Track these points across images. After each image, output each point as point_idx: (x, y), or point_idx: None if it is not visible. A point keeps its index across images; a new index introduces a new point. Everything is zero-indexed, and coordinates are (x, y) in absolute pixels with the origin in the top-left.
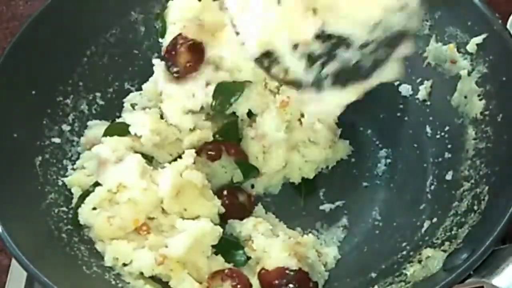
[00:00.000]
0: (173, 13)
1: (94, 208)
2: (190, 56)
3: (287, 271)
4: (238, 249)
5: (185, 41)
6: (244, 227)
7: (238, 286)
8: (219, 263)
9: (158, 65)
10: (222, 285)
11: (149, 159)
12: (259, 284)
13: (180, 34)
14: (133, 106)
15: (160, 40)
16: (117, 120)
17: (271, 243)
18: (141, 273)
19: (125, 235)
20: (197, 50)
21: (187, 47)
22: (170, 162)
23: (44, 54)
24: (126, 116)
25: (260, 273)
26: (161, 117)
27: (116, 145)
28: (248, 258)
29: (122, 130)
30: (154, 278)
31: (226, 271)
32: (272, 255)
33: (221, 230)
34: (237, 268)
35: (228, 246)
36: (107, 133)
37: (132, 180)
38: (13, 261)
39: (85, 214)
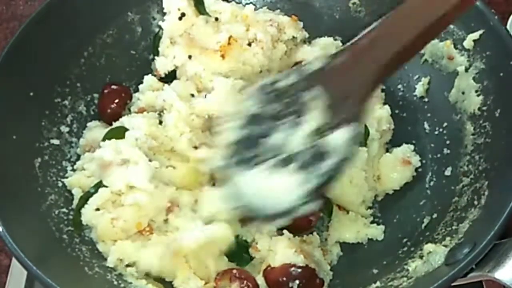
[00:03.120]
0: (164, 31)
1: (98, 209)
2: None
3: (293, 268)
4: (242, 249)
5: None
6: (247, 232)
7: None
8: (223, 262)
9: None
10: (230, 285)
11: None
12: (265, 282)
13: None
14: (129, 109)
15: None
16: (115, 124)
17: (276, 241)
18: (145, 274)
19: (127, 236)
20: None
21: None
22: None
23: (41, 55)
24: (124, 119)
25: (265, 270)
26: (160, 122)
27: (117, 147)
28: (252, 258)
29: (120, 133)
30: (156, 278)
31: (234, 271)
32: (278, 251)
33: (233, 237)
34: (245, 269)
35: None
36: (106, 138)
37: (140, 183)
38: (13, 261)
39: (88, 214)
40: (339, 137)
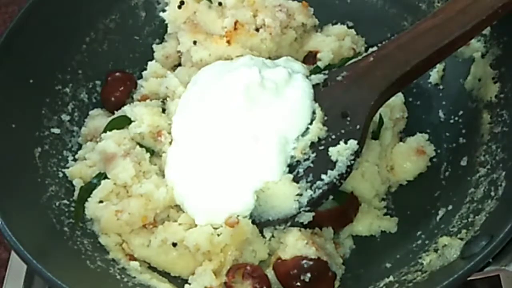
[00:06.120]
0: (169, 16)
1: (101, 202)
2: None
3: (305, 260)
4: None
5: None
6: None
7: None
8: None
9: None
10: (242, 282)
11: (150, 151)
12: (274, 275)
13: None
14: (132, 97)
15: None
16: (117, 113)
17: (286, 233)
18: (148, 267)
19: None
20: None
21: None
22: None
23: (42, 41)
24: (126, 108)
25: (275, 263)
26: (163, 110)
27: (120, 139)
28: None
29: (122, 122)
30: (160, 272)
31: (248, 268)
32: (289, 244)
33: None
34: (258, 266)
35: None
36: (108, 128)
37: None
38: (12, 254)
39: (91, 207)
40: (337, 152)
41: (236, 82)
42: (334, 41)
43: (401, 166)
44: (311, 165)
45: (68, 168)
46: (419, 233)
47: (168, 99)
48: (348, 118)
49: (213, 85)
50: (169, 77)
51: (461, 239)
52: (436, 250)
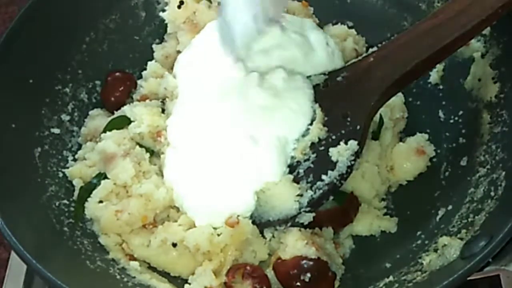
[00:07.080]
0: (169, 16)
1: (101, 202)
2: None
3: (305, 260)
4: None
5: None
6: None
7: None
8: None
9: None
10: (242, 282)
11: (150, 151)
12: (274, 275)
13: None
14: (132, 97)
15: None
16: (117, 113)
17: (286, 233)
18: (148, 267)
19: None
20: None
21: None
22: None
23: (41, 41)
24: (126, 108)
25: (275, 263)
26: (163, 110)
27: (119, 139)
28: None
29: (122, 122)
30: (160, 272)
31: (248, 268)
32: (289, 244)
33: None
34: (258, 266)
35: None
36: (108, 129)
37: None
38: (12, 254)
39: (91, 207)
40: (338, 152)
41: (235, 83)
42: (334, 41)
43: (401, 166)
44: (312, 165)
45: (68, 168)
46: (419, 233)
47: (167, 99)
48: (348, 119)
49: (212, 85)
50: (167, 77)
51: (461, 239)
52: (436, 250)
